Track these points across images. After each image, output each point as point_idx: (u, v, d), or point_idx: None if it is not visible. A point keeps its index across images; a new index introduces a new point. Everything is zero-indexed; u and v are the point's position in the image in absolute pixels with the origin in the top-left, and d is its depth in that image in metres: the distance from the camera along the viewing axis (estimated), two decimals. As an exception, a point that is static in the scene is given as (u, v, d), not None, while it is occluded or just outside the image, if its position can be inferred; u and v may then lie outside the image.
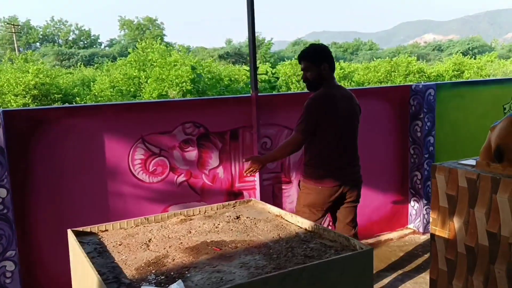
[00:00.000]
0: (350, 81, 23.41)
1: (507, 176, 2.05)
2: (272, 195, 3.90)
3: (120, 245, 1.80)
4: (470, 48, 51.10)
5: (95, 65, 35.19)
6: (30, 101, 17.44)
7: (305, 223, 1.97)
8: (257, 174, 3.75)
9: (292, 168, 3.96)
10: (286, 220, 2.09)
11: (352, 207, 3.17)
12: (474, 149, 2.54)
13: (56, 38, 65.96)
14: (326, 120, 2.98)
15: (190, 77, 17.56)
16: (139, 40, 35.72)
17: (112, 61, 29.85)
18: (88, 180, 3.19)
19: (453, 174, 2.27)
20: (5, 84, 17.52)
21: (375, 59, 30.52)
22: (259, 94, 3.78)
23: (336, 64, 28.23)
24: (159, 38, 54.52)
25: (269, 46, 52.51)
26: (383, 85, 23.17)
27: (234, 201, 2.32)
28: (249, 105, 3.71)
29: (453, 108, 4.57)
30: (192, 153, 3.51)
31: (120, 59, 23.66)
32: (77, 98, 18.30)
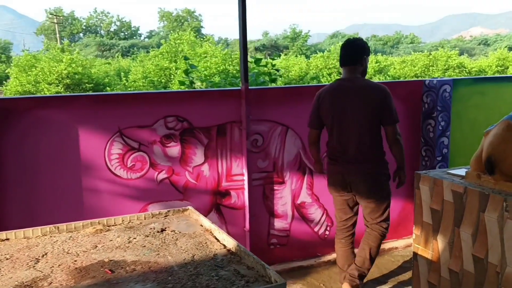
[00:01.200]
0: (385, 75, 22.60)
1: (498, 192, 1.71)
2: (263, 196, 3.63)
3: (7, 259, 1.59)
4: (519, 43, 48.48)
5: (132, 56, 35.75)
6: (62, 89, 17.85)
7: (230, 243, 1.68)
8: (245, 173, 3.50)
9: (286, 167, 3.68)
10: (214, 237, 1.80)
11: (365, 201, 3.06)
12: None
13: (98, 29, 67.53)
14: (323, 114, 3.08)
15: (219, 68, 17.42)
16: (177, 31, 36.01)
17: (147, 52, 30.18)
18: (60, 174, 3.03)
19: (438, 186, 1.94)
20: (40, 73, 18.00)
21: (415, 53, 29.42)
22: (250, 87, 3.51)
23: (373, 57, 27.46)
24: (196, 29, 54.90)
25: (306, 39, 51.74)
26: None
27: (167, 210, 2.07)
28: (238, 99, 3.45)
29: (472, 106, 4.14)
30: (174, 149, 3.30)
31: (153, 50, 23.85)
32: (107, 88, 18.59)
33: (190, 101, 3.34)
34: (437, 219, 1.96)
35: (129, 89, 18.38)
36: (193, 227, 1.92)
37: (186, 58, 6.74)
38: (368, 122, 2.93)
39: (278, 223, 3.71)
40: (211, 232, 1.83)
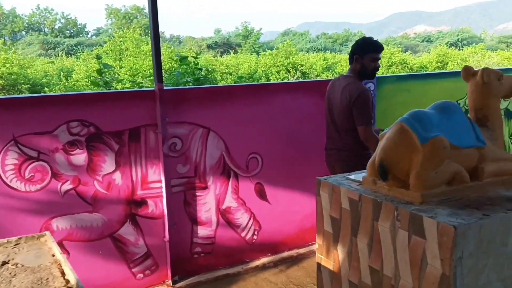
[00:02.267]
0: (333, 72, 22.88)
1: (391, 199, 1.60)
2: (184, 203, 3.43)
3: None
4: (460, 40, 50.63)
5: (76, 55, 34.40)
6: (-5, 91, 16.84)
7: (72, 279, 1.40)
8: (163, 180, 3.28)
9: (208, 171, 3.49)
10: (60, 270, 1.51)
11: None
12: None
13: (42, 26, 64.70)
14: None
15: (164, 67, 17.00)
16: (125, 29, 34.98)
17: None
18: None
19: (336, 193, 1.81)
20: (-29, 74, 16.86)
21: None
22: (165, 87, 3.29)
23: (321, 55, 27.68)
24: (146, 27, 53.64)
25: (258, 36, 51.72)
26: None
27: (18, 237, 1.80)
28: (152, 101, 3.22)
29: (398, 104, 4.12)
30: (80, 156, 3.02)
31: (96, 48, 22.97)
32: (46, 89, 17.68)
33: (97, 104, 3.07)
34: (337, 228, 1.84)
35: (69, 89, 17.55)
36: (42, 258, 1.64)
37: (98, 57, 6.36)
38: (343, 120, 3.22)
39: (202, 231, 3.52)
40: (59, 264, 1.56)
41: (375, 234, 1.62)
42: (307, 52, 39.78)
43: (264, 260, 3.73)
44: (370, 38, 3.32)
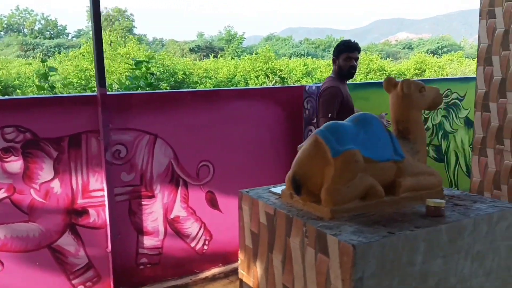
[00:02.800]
0: (312, 78, 22.94)
1: (302, 215, 1.52)
2: (129, 212, 3.31)
3: None
4: (440, 47, 51.38)
5: (54, 56, 33.88)
6: (-33, 93, 16.39)
7: None
8: (105, 188, 3.16)
9: (155, 179, 3.38)
10: None
11: None
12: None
13: (21, 27, 63.64)
14: None
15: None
16: (107, 31, 34.67)
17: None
18: None
19: (255, 206, 1.73)
20: None
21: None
22: (108, 93, 3.18)
23: (301, 60, 27.76)
24: (128, 29, 53.27)
25: (241, 41, 51.78)
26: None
27: None
28: (94, 106, 3.11)
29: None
30: (15, 163, 2.89)
31: (72, 50, 22.62)
32: (18, 91, 17.31)
33: (33, 109, 2.94)
34: (256, 243, 1.76)
35: (42, 92, 17.22)
36: None
37: (43, 61, 6.22)
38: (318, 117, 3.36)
39: (148, 241, 3.40)
40: None
41: (288, 251, 1.54)
42: (290, 57, 39.92)
43: (214, 270, 3.63)
44: (345, 40, 3.46)
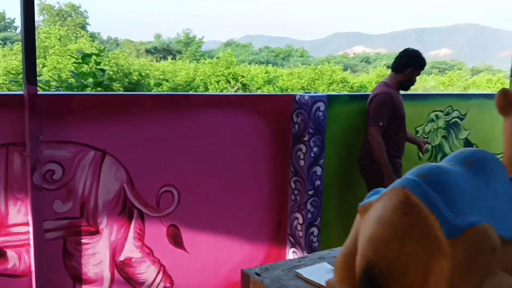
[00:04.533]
0: (274, 86, 22.42)
1: None
2: (63, 254, 2.47)
3: None
4: (396, 62, 52.45)
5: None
6: None
7: None
8: (31, 222, 2.31)
9: (101, 210, 2.56)
10: None
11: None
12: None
13: (-35, 19, 59.76)
14: None
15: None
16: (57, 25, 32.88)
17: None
18: None
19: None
20: None
21: (303, 66, 29.94)
22: (40, 92, 2.35)
23: (263, 68, 27.29)
24: (81, 26, 50.97)
25: (200, 44, 50.86)
26: (307, 92, 22.28)
27: None
28: (20, 110, 2.26)
29: (350, 128, 3.42)
30: None
31: (18, 44, 20.94)
32: None
33: None
34: None
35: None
36: None
37: None
38: (367, 124, 3.24)
39: (89, 291, 2.57)
40: None
41: None
42: (249, 64, 39.43)
43: (175, 325, 2.84)
44: (421, 55, 3.33)
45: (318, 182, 3.18)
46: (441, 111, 3.95)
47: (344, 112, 3.34)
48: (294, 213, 3.24)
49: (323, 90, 21.79)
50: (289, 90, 22.12)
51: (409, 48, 3.44)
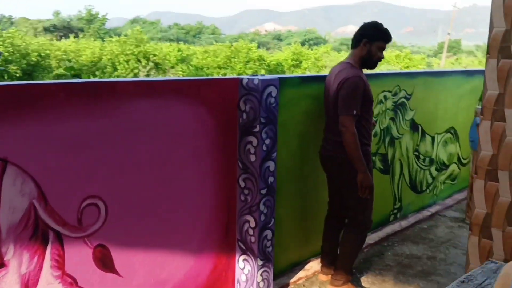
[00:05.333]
0: (188, 65, 21.57)
1: None
2: (-48, 303, 1.82)
3: None
4: (307, 40, 53.66)
5: None
6: None
7: None
8: None
9: (5, 236, 1.93)
10: None
11: (330, 183, 3.11)
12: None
13: None
14: None
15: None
16: None
17: None
18: None
19: None
20: None
21: (217, 43, 29.28)
22: None
23: (175, 46, 26.23)
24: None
25: (103, 21, 47.96)
26: (223, 71, 21.68)
27: None
28: None
29: (301, 114, 3.05)
30: None
31: None
32: None
33: None
34: None
35: None
36: None
37: None
38: (332, 110, 2.88)
39: None
40: None
41: None
42: (159, 41, 37.83)
43: None
44: (381, 25, 2.98)
45: (271, 179, 2.77)
46: (389, 91, 3.73)
47: (295, 96, 2.96)
48: (244, 215, 2.81)
49: (240, 68, 21.41)
50: (204, 69, 21.45)
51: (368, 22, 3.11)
